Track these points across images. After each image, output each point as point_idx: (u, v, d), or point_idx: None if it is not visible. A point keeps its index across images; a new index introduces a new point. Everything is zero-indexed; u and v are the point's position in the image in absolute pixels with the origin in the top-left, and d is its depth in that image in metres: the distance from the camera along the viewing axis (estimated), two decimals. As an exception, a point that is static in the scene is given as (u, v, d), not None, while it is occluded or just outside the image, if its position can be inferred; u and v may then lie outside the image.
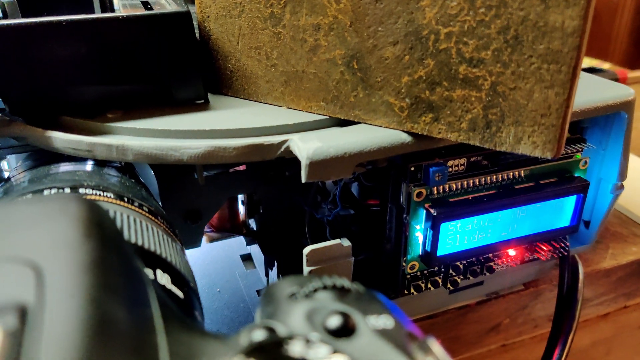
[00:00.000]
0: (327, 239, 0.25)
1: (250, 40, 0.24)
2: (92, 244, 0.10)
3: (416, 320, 0.31)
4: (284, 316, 0.12)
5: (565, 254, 0.30)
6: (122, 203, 0.19)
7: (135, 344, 0.09)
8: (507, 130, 0.20)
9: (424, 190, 0.25)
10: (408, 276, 0.27)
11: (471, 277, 0.29)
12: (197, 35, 0.26)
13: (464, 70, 0.20)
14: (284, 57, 0.24)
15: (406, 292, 0.28)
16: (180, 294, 0.16)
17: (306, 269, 0.24)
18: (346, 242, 0.25)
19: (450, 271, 0.28)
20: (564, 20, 0.18)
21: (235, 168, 0.28)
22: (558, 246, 0.30)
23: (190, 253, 0.30)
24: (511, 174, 0.27)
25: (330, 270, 0.24)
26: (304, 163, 0.21)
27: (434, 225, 0.25)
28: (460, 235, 0.26)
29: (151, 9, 0.25)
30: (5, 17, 0.25)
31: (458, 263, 0.28)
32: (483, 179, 0.26)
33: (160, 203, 0.26)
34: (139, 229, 0.18)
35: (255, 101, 0.26)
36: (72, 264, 0.09)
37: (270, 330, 0.11)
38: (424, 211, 0.25)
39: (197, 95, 0.25)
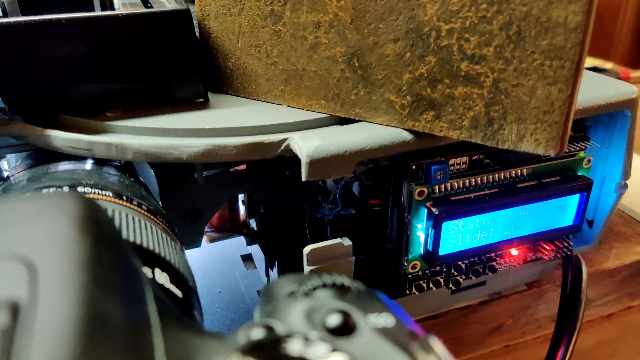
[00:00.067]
0: (328, 239, 0.24)
1: (250, 38, 0.24)
2: (87, 240, 0.10)
3: (418, 320, 0.31)
4: (283, 315, 0.12)
5: (569, 253, 0.29)
6: (120, 202, 0.19)
7: (130, 341, 0.09)
8: (509, 127, 0.20)
9: (425, 189, 0.25)
10: (410, 276, 0.27)
11: (473, 277, 0.28)
12: (197, 33, 0.26)
13: (465, 67, 0.20)
14: (284, 55, 0.24)
15: (408, 292, 0.28)
16: (178, 293, 0.16)
17: (307, 269, 0.24)
18: (347, 242, 0.24)
19: (452, 271, 0.28)
20: (566, 15, 0.17)
21: (236, 167, 0.28)
22: (561, 246, 0.29)
23: (190, 253, 0.30)
24: (513, 172, 0.26)
25: (331, 270, 0.24)
26: (304, 161, 0.21)
27: (436, 224, 0.25)
28: (462, 234, 0.26)
29: (151, 7, 0.25)
30: (5, 16, 0.25)
31: (460, 263, 0.28)
32: (485, 177, 0.26)
33: (160, 203, 0.26)
34: (138, 227, 0.17)
35: (255, 100, 0.26)
36: (67, 260, 0.09)
37: (269, 328, 0.11)
38: (426, 210, 0.25)
39: (197, 94, 0.25)
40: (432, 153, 0.24)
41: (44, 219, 0.10)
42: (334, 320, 0.11)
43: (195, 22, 0.25)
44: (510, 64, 0.19)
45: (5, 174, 0.25)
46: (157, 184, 0.26)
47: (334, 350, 0.10)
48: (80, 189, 0.19)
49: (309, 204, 0.29)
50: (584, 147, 0.28)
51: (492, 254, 0.28)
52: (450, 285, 0.28)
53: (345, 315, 0.11)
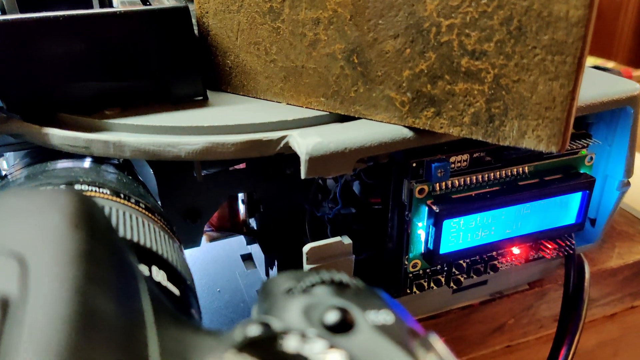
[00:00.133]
0: (328, 238, 0.24)
1: (249, 35, 0.24)
2: (80, 236, 0.10)
3: (419, 320, 0.31)
4: (280, 312, 0.11)
5: (571, 252, 0.29)
6: (118, 199, 0.19)
7: (122, 338, 0.08)
8: (510, 124, 0.20)
9: (426, 187, 0.24)
10: (410, 275, 0.27)
11: (475, 276, 0.28)
12: (196, 31, 0.25)
13: (466, 63, 0.20)
14: (283, 52, 0.24)
15: (408, 291, 0.27)
16: (176, 291, 0.16)
17: (306, 267, 0.24)
18: (347, 240, 0.24)
19: (454, 270, 0.28)
20: (568, 9, 0.17)
21: (235, 166, 0.28)
22: (563, 244, 0.29)
23: (190, 252, 0.30)
24: (515, 170, 0.26)
25: (331, 269, 0.24)
26: (303, 158, 0.21)
27: (437, 222, 0.24)
28: (463, 232, 0.26)
29: (150, 4, 0.24)
30: (3, 13, 0.24)
31: (461, 261, 0.27)
32: (486, 175, 0.26)
33: (159, 202, 0.26)
34: (135, 225, 0.17)
35: (254, 98, 0.25)
36: (59, 255, 0.09)
37: (265, 325, 0.10)
38: (426, 208, 0.25)
39: (195, 92, 0.25)
40: (432, 150, 0.24)
41: (37, 215, 0.10)
42: (332, 317, 0.11)
43: (193, 20, 0.25)
44: (511, 59, 0.19)
45: (4, 172, 0.25)
46: (157, 183, 0.26)
47: (332, 346, 0.09)
48: (77, 186, 0.19)
49: (309, 202, 0.29)
50: (586, 145, 0.27)
51: (494, 253, 0.28)
52: (452, 284, 0.28)
53: (344, 312, 0.11)
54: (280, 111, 0.24)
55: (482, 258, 0.28)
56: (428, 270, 0.27)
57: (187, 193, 0.27)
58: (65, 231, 0.10)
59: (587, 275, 0.30)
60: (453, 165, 0.25)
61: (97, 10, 0.23)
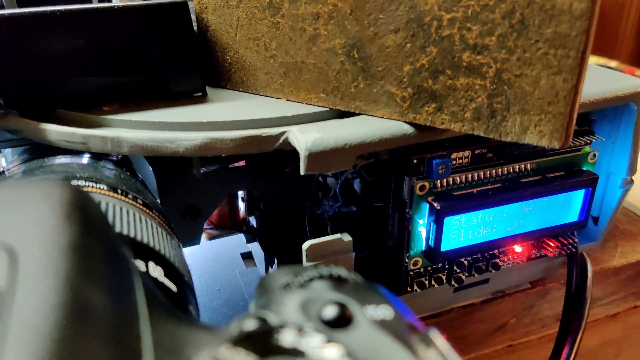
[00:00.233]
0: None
1: (248, 31, 0.24)
2: (72, 228, 0.10)
3: (420, 319, 0.30)
4: (278, 306, 0.11)
5: (574, 250, 0.29)
6: (115, 195, 0.18)
7: (114, 331, 0.08)
8: (512, 119, 0.19)
9: (427, 184, 0.24)
10: (411, 273, 0.27)
11: (476, 274, 0.28)
12: (195, 26, 0.25)
13: (467, 58, 0.19)
14: (283, 48, 0.23)
15: (409, 289, 0.27)
16: (173, 287, 0.16)
17: (306, 265, 0.24)
18: (347, 237, 0.24)
19: (455, 268, 0.27)
20: (572, 2, 0.17)
21: (235, 164, 0.28)
22: (566, 242, 0.29)
23: (189, 251, 0.30)
24: (517, 167, 0.26)
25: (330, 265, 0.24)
26: (302, 154, 0.20)
27: (438, 219, 0.24)
28: (464, 230, 0.26)
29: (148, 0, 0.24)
30: (1, 8, 0.24)
31: (463, 259, 0.27)
32: (488, 172, 0.25)
33: (158, 200, 0.26)
34: (132, 220, 0.17)
35: (254, 94, 0.25)
36: (49, 247, 0.09)
37: (262, 320, 0.10)
38: (427, 205, 0.25)
39: (194, 88, 0.25)
40: (433, 147, 0.24)
41: (28, 206, 0.10)
42: (330, 311, 0.11)
43: (193, 16, 0.25)
44: (514, 53, 0.19)
45: (2, 169, 0.25)
46: (156, 181, 0.26)
47: (329, 341, 0.09)
48: (74, 182, 0.19)
49: (309, 200, 0.29)
50: (589, 142, 0.27)
51: (496, 251, 0.28)
52: (453, 282, 0.28)
53: (342, 306, 0.11)
54: (280, 107, 0.23)
55: (484, 256, 0.28)
56: (429, 268, 0.27)
57: (187, 191, 0.27)
58: (56, 223, 0.10)
59: (589, 274, 0.29)
60: (454, 162, 0.25)
61: (95, 5, 0.22)
